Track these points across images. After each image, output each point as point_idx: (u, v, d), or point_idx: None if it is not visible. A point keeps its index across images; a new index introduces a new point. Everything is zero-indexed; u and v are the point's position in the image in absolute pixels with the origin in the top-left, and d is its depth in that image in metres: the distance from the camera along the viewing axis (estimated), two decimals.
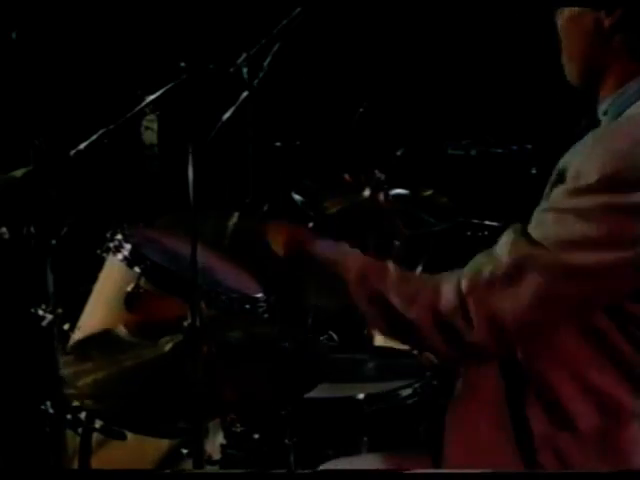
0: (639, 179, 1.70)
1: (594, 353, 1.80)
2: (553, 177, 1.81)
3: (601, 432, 1.80)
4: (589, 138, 1.80)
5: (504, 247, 1.76)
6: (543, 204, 1.80)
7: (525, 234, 1.75)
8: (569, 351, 1.81)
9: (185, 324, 1.98)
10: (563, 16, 1.94)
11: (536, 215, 1.78)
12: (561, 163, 1.79)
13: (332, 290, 1.89)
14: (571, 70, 1.97)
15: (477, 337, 1.71)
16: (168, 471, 2.37)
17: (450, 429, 1.94)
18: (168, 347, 2.02)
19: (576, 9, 1.91)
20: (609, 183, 1.70)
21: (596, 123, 1.96)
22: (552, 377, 1.82)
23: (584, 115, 2.00)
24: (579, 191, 1.73)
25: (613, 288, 1.75)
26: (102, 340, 2.17)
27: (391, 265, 1.85)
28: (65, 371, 2.00)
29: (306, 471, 2.20)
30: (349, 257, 1.91)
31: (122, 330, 2.19)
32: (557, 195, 1.77)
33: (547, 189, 1.83)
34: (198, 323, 1.96)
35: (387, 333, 1.94)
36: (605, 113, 1.92)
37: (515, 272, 1.71)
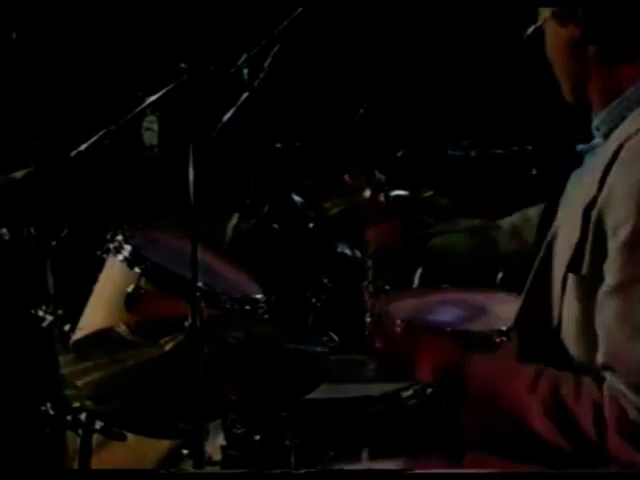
0: None
1: None
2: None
3: None
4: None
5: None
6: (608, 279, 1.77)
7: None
8: None
9: (186, 324, 1.98)
10: (547, 32, 1.94)
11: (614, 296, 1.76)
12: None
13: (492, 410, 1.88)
14: (563, 87, 1.97)
15: None
16: (168, 471, 2.37)
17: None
18: (169, 347, 2.01)
19: (554, 27, 1.91)
20: None
21: (590, 136, 1.95)
22: None
23: (581, 122, 1.99)
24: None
25: None
26: (103, 339, 2.16)
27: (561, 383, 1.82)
28: (65, 370, 1.99)
29: (306, 471, 2.20)
30: (512, 379, 1.87)
31: (123, 329, 2.19)
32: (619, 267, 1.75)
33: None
34: (199, 323, 1.96)
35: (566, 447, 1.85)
36: (598, 129, 1.92)
37: None
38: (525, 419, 1.82)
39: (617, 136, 1.85)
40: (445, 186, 3.41)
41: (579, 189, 1.89)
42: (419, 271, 3.54)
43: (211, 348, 1.98)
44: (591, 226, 1.79)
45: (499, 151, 3.89)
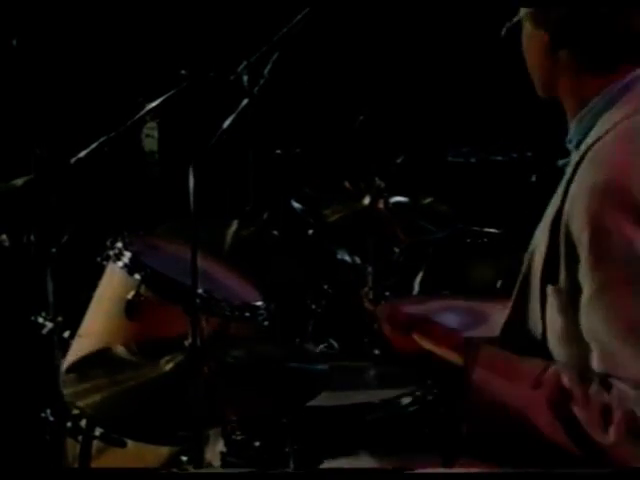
0: None
1: None
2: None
3: None
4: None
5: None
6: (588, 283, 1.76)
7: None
8: None
9: (186, 343, 1.98)
10: (523, 30, 1.95)
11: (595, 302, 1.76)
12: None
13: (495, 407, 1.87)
14: (535, 83, 1.98)
15: None
16: (168, 471, 2.37)
17: None
18: (169, 367, 2.01)
19: (529, 28, 1.92)
20: None
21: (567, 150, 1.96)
22: None
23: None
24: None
25: None
26: (102, 359, 2.16)
27: (564, 376, 1.81)
28: (65, 391, 1.99)
29: (306, 471, 2.20)
30: (519, 374, 1.85)
31: (121, 349, 2.19)
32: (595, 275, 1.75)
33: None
34: (199, 342, 1.96)
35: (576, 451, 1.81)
36: (570, 141, 1.93)
37: None
38: (528, 414, 1.81)
39: (584, 145, 1.86)
40: (445, 193, 3.42)
41: (552, 202, 1.90)
42: (419, 277, 3.55)
43: (211, 368, 1.98)
44: (561, 237, 1.79)
45: (499, 158, 3.90)
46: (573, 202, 1.78)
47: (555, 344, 1.86)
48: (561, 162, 1.97)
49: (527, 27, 1.94)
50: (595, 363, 1.78)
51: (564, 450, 1.79)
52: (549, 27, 1.87)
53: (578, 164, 1.83)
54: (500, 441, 1.90)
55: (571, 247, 1.77)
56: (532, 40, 1.93)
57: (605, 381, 1.76)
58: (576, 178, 1.81)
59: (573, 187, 1.80)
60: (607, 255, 1.73)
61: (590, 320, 1.76)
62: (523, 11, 1.94)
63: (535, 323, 1.90)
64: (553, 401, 1.79)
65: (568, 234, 1.78)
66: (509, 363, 1.89)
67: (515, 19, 1.97)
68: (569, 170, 1.86)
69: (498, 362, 1.90)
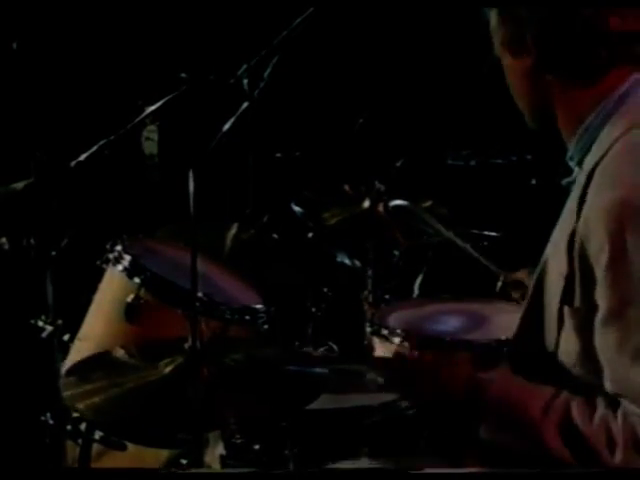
0: None
1: None
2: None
3: None
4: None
5: None
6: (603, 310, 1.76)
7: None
8: None
9: (185, 346, 1.98)
10: (503, 64, 1.92)
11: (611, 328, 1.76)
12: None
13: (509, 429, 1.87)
14: (526, 116, 1.96)
15: None
16: (168, 471, 2.38)
17: None
18: (168, 369, 2.01)
19: (507, 59, 1.89)
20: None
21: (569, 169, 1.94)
22: None
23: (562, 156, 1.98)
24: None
25: None
26: (102, 362, 2.16)
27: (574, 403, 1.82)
28: (65, 394, 1.99)
29: (306, 471, 2.20)
30: (531, 398, 1.85)
31: (121, 352, 2.19)
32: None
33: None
34: (198, 345, 1.96)
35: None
36: (571, 159, 1.91)
37: None
38: (539, 439, 1.82)
39: (588, 163, 1.85)
40: (445, 196, 3.42)
41: (562, 221, 1.89)
42: (419, 280, 3.55)
43: (210, 371, 1.98)
44: (576, 257, 1.79)
45: (499, 161, 3.90)
46: (588, 223, 1.76)
47: (568, 363, 1.86)
48: (565, 181, 1.96)
49: (505, 59, 1.91)
50: (606, 383, 1.78)
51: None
52: (528, 50, 1.84)
53: (586, 185, 1.81)
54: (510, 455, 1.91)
55: (587, 268, 1.77)
56: (513, 71, 1.91)
57: (614, 401, 1.77)
58: (588, 199, 1.79)
59: (586, 209, 1.78)
60: (626, 274, 1.72)
61: (604, 339, 1.76)
62: (497, 46, 1.91)
63: (549, 341, 1.88)
64: (562, 426, 1.79)
65: (583, 256, 1.77)
66: (522, 388, 1.90)
67: (493, 55, 1.94)
68: (576, 190, 1.85)
69: (512, 388, 1.90)
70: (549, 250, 1.92)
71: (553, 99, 1.88)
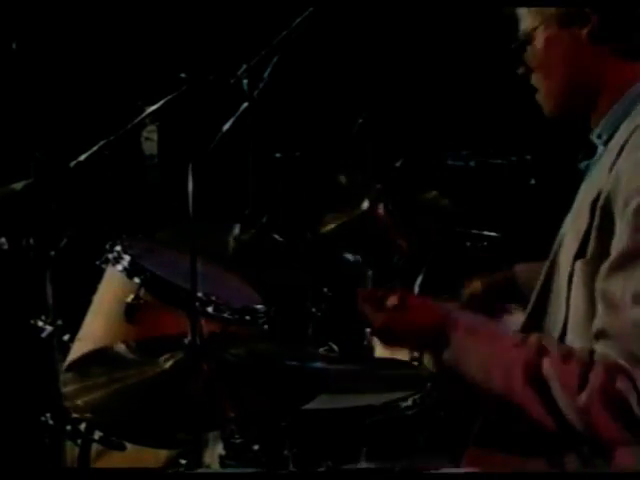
0: None
1: None
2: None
3: None
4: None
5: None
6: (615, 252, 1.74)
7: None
8: None
9: (185, 341, 1.98)
10: (538, 43, 1.90)
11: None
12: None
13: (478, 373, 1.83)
14: (554, 100, 1.93)
15: None
16: (168, 471, 2.38)
17: None
18: (168, 365, 2.01)
19: (552, 31, 1.88)
20: None
21: (593, 151, 1.93)
22: None
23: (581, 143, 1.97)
24: None
25: None
26: (102, 357, 2.16)
27: (549, 343, 1.79)
28: (65, 389, 1.99)
29: (306, 471, 2.20)
30: (500, 342, 1.83)
31: (122, 347, 2.18)
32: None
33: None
34: (198, 341, 1.96)
35: (547, 421, 1.77)
36: (599, 136, 1.90)
37: None
38: (506, 375, 1.77)
39: (621, 134, 1.83)
40: (444, 196, 3.42)
41: (584, 194, 1.88)
42: (419, 281, 3.55)
43: (210, 366, 1.98)
44: (598, 211, 1.77)
45: (498, 161, 3.90)
46: (619, 176, 1.75)
47: (574, 329, 1.83)
48: (584, 163, 1.95)
49: (548, 33, 1.88)
50: (596, 322, 1.75)
51: (538, 421, 1.75)
52: (585, 19, 1.83)
53: (624, 145, 1.80)
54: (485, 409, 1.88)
55: (608, 219, 1.75)
56: (560, 41, 1.88)
57: (595, 339, 1.73)
58: (624, 155, 1.78)
59: (619, 164, 1.77)
60: None
61: (607, 282, 1.73)
62: (535, 19, 1.89)
63: (559, 313, 1.86)
64: (529, 360, 1.75)
65: (607, 207, 1.75)
66: (490, 326, 1.89)
67: (525, 31, 1.92)
68: (611, 156, 1.82)
69: (480, 326, 1.87)
70: (565, 226, 1.91)
71: (600, 70, 1.87)
